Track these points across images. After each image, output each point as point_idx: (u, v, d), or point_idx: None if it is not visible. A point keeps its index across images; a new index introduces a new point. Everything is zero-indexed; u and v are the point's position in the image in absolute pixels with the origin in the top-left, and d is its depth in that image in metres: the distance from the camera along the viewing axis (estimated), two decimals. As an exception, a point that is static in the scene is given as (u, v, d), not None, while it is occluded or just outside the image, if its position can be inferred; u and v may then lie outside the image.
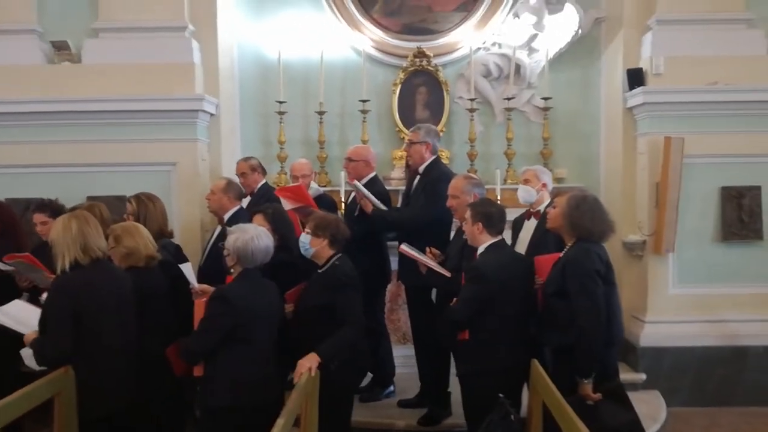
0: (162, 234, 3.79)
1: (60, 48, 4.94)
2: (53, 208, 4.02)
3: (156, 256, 3.40)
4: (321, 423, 2.92)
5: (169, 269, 3.57)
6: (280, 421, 2.15)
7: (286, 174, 5.41)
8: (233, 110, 5.55)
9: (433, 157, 4.08)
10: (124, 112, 4.84)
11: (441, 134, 5.10)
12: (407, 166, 5.12)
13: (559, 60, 5.53)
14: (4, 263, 3.81)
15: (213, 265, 3.79)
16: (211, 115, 5.11)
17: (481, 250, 3.22)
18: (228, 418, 2.86)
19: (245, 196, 4.42)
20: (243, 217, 3.87)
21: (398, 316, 5.15)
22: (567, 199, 3.08)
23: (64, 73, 4.92)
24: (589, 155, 5.61)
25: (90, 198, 4.56)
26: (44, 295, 3.10)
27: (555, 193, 3.58)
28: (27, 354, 3.04)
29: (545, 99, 5.40)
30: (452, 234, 3.97)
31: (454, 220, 3.92)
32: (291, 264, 3.41)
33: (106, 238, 3.17)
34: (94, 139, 4.90)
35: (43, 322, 2.83)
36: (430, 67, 5.55)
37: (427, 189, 3.95)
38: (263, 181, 4.70)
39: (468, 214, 3.27)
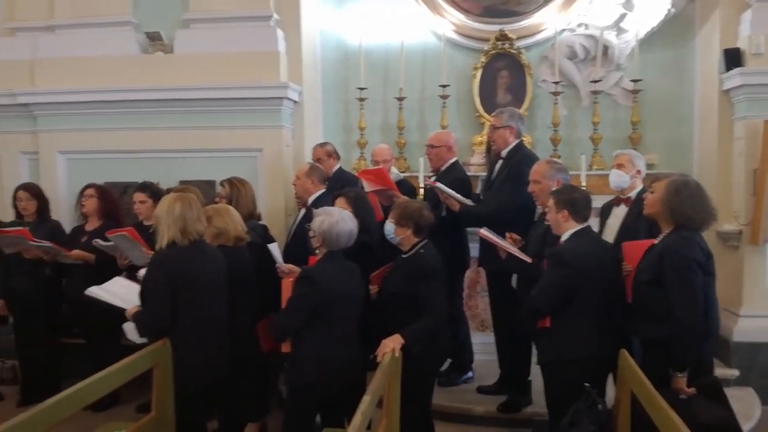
0: (251, 216, 3.94)
1: (153, 39, 5.18)
2: (153, 190, 4.32)
3: (245, 237, 3.55)
4: (402, 405, 2.95)
5: (257, 250, 3.71)
6: (366, 398, 2.19)
7: (365, 160, 5.46)
8: (316, 97, 5.64)
9: (517, 141, 4.00)
10: (213, 99, 5.02)
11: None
12: (487, 151, 5.06)
13: (649, 40, 5.28)
14: (106, 239, 4.08)
15: (297, 247, 3.91)
16: (295, 102, 5.22)
17: (565, 237, 3.13)
18: (312, 394, 2.96)
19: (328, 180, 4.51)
20: (326, 200, 3.95)
21: (476, 303, 5.12)
22: (667, 184, 2.92)
23: (157, 62, 5.15)
24: (681, 140, 5.34)
25: (181, 182, 4.79)
26: (141, 272, 3.28)
27: (651, 179, 3.41)
28: (129, 328, 3.23)
29: (634, 81, 5.18)
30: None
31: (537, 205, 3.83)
32: (370, 246, 3.46)
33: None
34: (184, 126, 5.11)
35: (143, 295, 3.01)
36: (512, 50, 5.43)
37: (512, 173, 3.88)
38: (337, 166, 4.77)
39: (551, 202, 3.18)
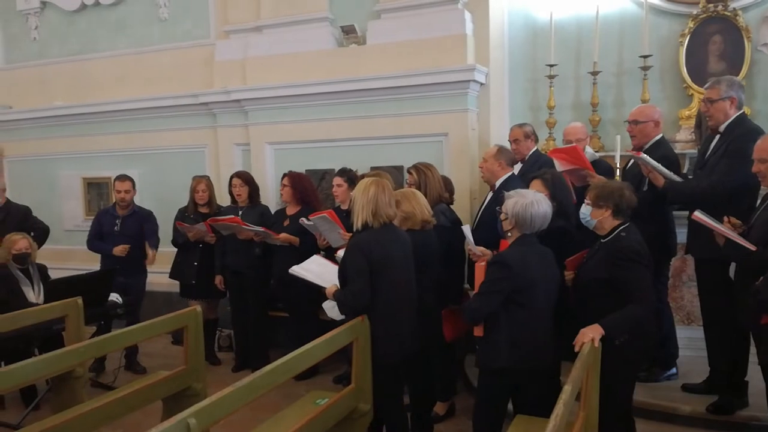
0: (440, 200, 3.99)
1: (348, 32, 5.44)
2: (350, 175, 4.60)
3: (431, 221, 3.60)
4: (601, 399, 2.79)
5: (444, 233, 3.74)
6: (567, 388, 2.09)
7: (554, 140, 5.25)
8: (502, 78, 5.53)
9: (739, 113, 3.53)
10: (403, 87, 5.16)
11: (741, 88, 4.42)
12: (697, 126, 4.58)
13: None
14: (308, 219, 4.41)
15: (485, 230, 3.86)
16: (481, 84, 5.17)
17: (799, 221, 2.72)
18: (504, 378, 2.93)
19: (516, 163, 4.39)
20: (515, 183, 3.85)
21: (681, 294, 4.67)
22: None
23: (351, 55, 5.42)
24: None
25: (372, 168, 4.98)
26: (340, 253, 3.48)
27: None
28: (328, 306, 3.45)
29: None
30: (758, 202, 3.42)
31: (762, 187, 3.37)
32: (567, 231, 3.30)
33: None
34: (375, 114, 5.34)
35: (343, 276, 3.18)
36: (727, 12, 4.83)
37: (731, 149, 3.44)
38: (535, 148, 4.61)
39: None
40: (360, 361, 3.07)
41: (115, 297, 4.75)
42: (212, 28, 6.26)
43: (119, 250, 5.06)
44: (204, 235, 5.10)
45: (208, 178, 5.43)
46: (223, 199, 5.45)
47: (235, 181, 5.12)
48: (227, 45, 6.01)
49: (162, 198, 6.20)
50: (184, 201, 5.38)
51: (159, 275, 5.55)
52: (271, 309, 5.22)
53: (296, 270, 3.76)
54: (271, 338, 5.18)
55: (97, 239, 5.25)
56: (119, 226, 5.20)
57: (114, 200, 5.35)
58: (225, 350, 5.62)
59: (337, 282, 3.27)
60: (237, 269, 5.04)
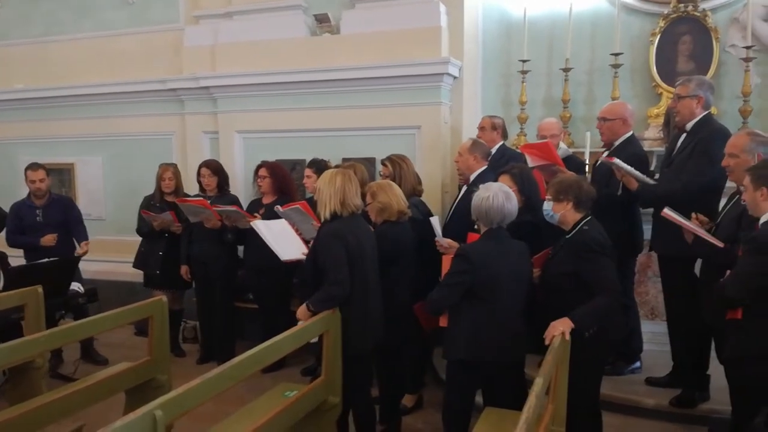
0: (414, 192, 3.98)
1: (321, 21, 5.37)
2: (320, 166, 4.53)
3: (406, 212, 3.59)
4: (569, 391, 2.81)
5: (418, 226, 3.73)
6: (538, 381, 2.10)
7: (525, 135, 5.27)
8: (475, 72, 5.53)
9: (705, 113, 3.60)
10: (376, 78, 5.12)
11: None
12: (665, 124, 4.65)
13: None
14: (281, 210, 4.35)
15: (457, 224, 3.87)
16: (455, 77, 5.16)
17: (765, 218, 2.78)
18: (466, 370, 2.96)
19: (489, 156, 4.38)
20: (488, 177, 3.85)
21: (646, 289, 4.75)
22: None
23: (324, 44, 5.35)
24: None
25: (344, 159, 4.94)
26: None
27: None
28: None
29: None
30: (725, 201, 3.49)
31: (727, 186, 3.44)
32: (535, 225, 3.32)
33: (363, 197, 3.42)
34: (347, 105, 5.29)
35: (316, 266, 3.12)
36: (696, 13, 4.90)
37: (698, 150, 3.50)
38: (501, 142, 4.62)
39: (747, 179, 2.83)
40: (330, 353, 3.05)
41: (76, 286, 4.61)
42: (181, 13, 6.12)
43: (48, 239, 4.89)
44: (170, 224, 4.99)
45: (176, 166, 5.31)
46: (191, 188, 5.34)
47: (204, 170, 5.02)
48: (197, 31, 5.88)
49: (127, 185, 6.05)
50: (149, 189, 5.26)
51: (123, 264, 5.41)
52: (237, 300, 5.15)
53: (258, 225, 3.70)
54: (237, 330, 5.11)
55: (18, 233, 5.02)
56: (41, 216, 5.02)
57: (29, 191, 5.08)
58: (190, 342, 5.52)
59: (291, 255, 3.21)
60: (203, 259, 4.95)
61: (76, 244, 5.03)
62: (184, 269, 5.07)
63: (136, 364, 3.31)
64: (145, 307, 3.39)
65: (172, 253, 5.07)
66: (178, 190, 5.17)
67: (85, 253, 4.93)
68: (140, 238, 5.23)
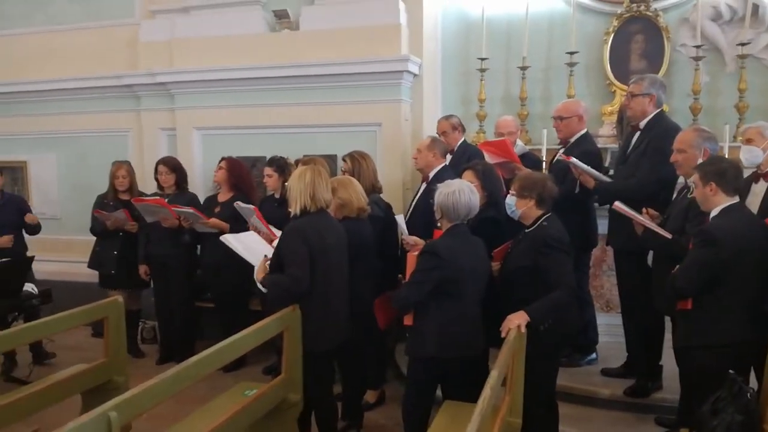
0: (373, 189, 3.99)
1: (281, 16, 5.33)
2: (279, 164, 4.47)
3: (366, 209, 3.61)
4: (526, 383, 2.87)
5: (377, 223, 3.75)
6: (493, 373, 2.14)
7: (485, 132, 5.34)
8: (435, 70, 5.58)
9: (657, 111, 3.70)
10: (336, 75, 5.11)
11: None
12: (619, 121, 4.77)
13: (808, -4, 4.71)
14: (241, 206, 4.29)
15: (417, 221, 3.91)
16: (415, 75, 5.19)
17: (714, 212, 2.87)
18: (433, 366, 2.97)
19: (448, 153, 4.44)
20: (447, 174, 3.89)
21: (601, 282, 4.87)
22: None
23: (283, 40, 5.31)
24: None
25: (305, 156, 4.90)
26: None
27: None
28: None
29: (789, 43, 4.65)
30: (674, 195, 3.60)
31: (678, 180, 3.55)
32: (497, 221, 3.37)
33: (331, 191, 3.41)
34: (308, 102, 5.26)
35: (279, 261, 3.10)
36: (648, 13, 5.05)
37: (651, 147, 3.59)
38: (462, 139, 4.68)
39: (696, 176, 2.92)
40: (291, 351, 3.04)
41: (30, 287, 4.49)
42: (137, 8, 5.99)
43: (5, 241, 4.76)
44: (123, 223, 4.88)
45: (129, 163, 5.20)
46: (149, 186, 5.24)
47: (161, 168, 4.91)
48: (153, 25, 5.77)
49: (81, 184, 5.90)
50: (105, 188, 5.13)
51: (77, 265, 5.28)
52: (196, 299, 5.08)
53: (228, 238, 3.67)
54: (197, 330, 5.04)
55: None
56: None
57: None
58: (149, 342, 5.42)
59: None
60: (162, 259, 4.86)
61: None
62: (142, 269, 4.97)
63: (92, 365, 3.24)
64: (100, 308, 3.32)
65: (127, 252, 4.97)
66: (132, 188, 5.06)
67: (36, 221, 4.85)
68: (95, 238, 5.12)
